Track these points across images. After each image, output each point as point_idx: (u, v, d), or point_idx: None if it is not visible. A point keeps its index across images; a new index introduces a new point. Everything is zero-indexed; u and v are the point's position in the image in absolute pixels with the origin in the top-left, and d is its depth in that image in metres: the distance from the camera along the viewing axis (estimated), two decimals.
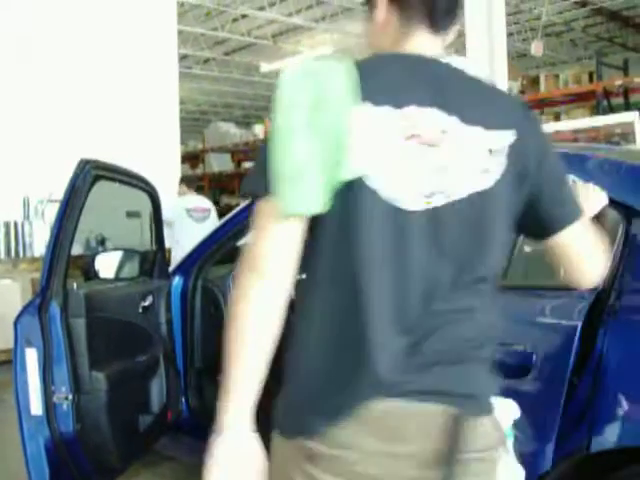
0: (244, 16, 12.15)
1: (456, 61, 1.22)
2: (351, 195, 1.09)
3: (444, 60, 1.20)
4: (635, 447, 1.65)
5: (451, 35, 1.24)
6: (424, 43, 1.20)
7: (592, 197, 1.55)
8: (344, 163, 1.07)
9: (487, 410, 1.19)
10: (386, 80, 1.13)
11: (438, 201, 1.12)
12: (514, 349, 1.83)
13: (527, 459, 1.81)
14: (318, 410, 1.12)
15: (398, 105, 1.10)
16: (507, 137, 1.17)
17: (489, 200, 1.15)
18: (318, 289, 1.15)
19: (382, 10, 1.21)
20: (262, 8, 11.62)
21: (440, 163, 1.12)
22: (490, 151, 1.16)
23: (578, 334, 1.72)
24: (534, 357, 1.80)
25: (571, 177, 1.52)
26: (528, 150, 1.19)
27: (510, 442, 1.39)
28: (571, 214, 1.26)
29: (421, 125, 1.11)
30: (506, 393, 1.31)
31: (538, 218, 1.25)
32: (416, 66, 1.17)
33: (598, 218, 1.53)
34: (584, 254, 1.29)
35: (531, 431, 1.87)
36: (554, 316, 1.91)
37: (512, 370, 1.79)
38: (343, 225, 1.10)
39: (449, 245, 1.13)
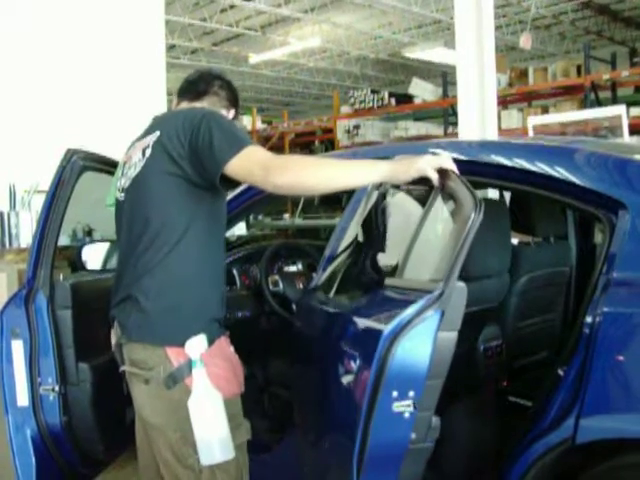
0: (232, 7, 12.10)
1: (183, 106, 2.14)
2: None
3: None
4: (621, 439, 1.66)
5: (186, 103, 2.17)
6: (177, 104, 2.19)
7: (411, 164, 1.73)
8: None
9: (135, 338, 1.88)
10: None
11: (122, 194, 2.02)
12: None
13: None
14: None
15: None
16: (154, 137, 1.91)
17: (142, 180, 1.91)
18: None
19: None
20: None
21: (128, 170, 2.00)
22: (143, 150, 1.92)
23: None
24: None
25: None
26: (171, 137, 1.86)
27: (200, 370, 1.80)
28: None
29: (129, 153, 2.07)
30: None
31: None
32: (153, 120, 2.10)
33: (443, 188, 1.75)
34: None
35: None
36: None
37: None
38: None
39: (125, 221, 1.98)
